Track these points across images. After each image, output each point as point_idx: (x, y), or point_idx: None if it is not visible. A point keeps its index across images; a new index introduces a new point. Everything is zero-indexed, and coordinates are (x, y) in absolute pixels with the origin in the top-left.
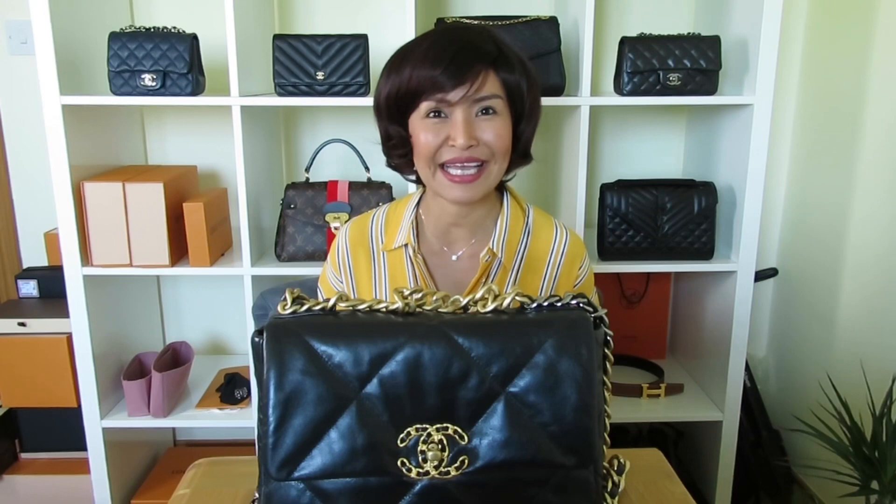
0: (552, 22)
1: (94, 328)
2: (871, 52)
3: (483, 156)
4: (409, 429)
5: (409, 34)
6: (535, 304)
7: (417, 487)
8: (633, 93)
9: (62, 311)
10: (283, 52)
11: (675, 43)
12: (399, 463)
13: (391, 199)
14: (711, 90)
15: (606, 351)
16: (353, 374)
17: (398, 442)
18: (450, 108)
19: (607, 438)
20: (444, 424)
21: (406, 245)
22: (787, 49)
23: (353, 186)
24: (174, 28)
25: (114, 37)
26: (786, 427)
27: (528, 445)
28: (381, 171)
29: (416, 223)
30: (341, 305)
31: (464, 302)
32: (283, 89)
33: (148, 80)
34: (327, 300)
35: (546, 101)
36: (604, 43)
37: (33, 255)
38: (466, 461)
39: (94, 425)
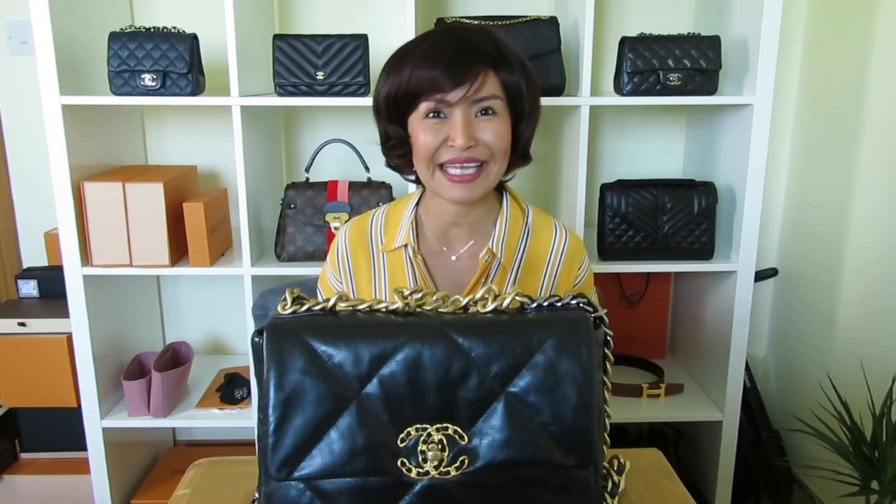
0: (552, 22)
1: (94, 328)
2: (871, 52)
3: (482, 156)
4: (409, 429)
5: (409, 34)
6: (535, 304)
7: (417, 487)
8: (633, 93)
9: (62, 311)
10: (283, 52)
11: (675, 43)
12: (399, 463)
13: (391, 199)
14: (711, 90)
15: (606, 351)
16: (353, 374)
17: (398, 442)
18: (449, 108)
19: (607, 438)
20: (444, 424)
21: (406, 245)
22: (787, 49)
23: (353, 186)
24: (174, 28)
25: (114, 37)
26: (786, 427)
27: (528, 445)
28: (381, 171)
29: (415, 223)
30: (341, 305)
31: (464, 302)
32: (283, 89)
33: (148, 80)
34: (327, 300)
35: (546, 101)
36: (604, 43)
37: (33, 255)
38: (466, 461)
39: (94, 425)
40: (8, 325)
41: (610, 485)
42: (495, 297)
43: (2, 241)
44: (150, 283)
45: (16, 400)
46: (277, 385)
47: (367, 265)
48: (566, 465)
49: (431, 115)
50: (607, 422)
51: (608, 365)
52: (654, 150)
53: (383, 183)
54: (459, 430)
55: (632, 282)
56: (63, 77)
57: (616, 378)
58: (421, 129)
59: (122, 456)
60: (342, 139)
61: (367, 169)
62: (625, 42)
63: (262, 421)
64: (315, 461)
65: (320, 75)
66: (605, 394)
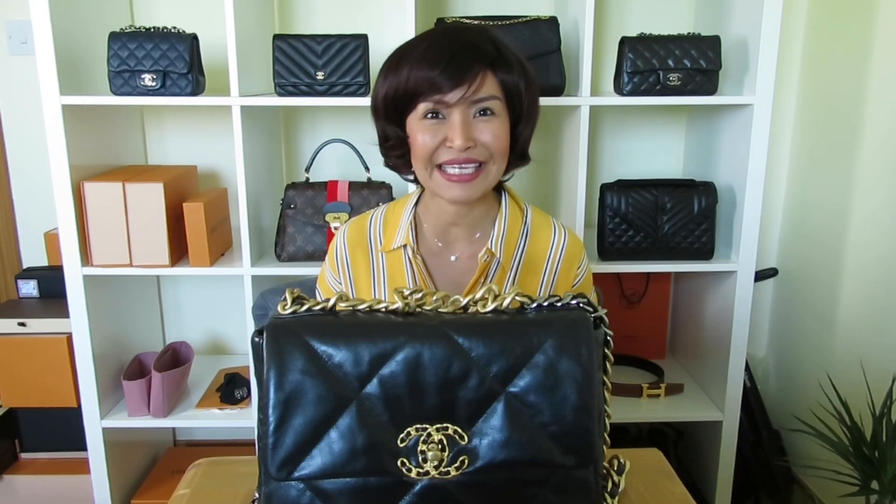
0: (552, 22)
1: (94, 328)
2: (871, 52)
3: (481, 157)
4: (409, 429)
5: (409, 34)
6: (535, 304)
7: (417, 487)
8: (633, 93)
9: (62, 311)
10: (283, 52)
11: (675, 43)
12: (399, 463)
13: (391, 199)
14: (711, 90)
15: (606, 351)
16: (353, 374)
17: (398, 442)
18: (447, 109)
19: (607, 438)
20: (444, 424)
21: (405, 246)
22: (787, 49)
23: (353, 186)
24: (174, 28)
25: (114, 37)
26: (786, 427)
27: (528, 445)
28: (381, 171)
29: (414, 223)
30: (341, 305)
31: (464, 302)
32: (283, 89)
33: (148, 80)
34: (327, 300)
35: (546, 101)
36: (604, 43)
37: (33, 255)
38: (466, 461)
39: (94, 425)
40: (8, 325)
41: (610, 485)
42: (495, 297)
43: (2, 241)
44: (150, 283)
45: (16, 400)
46: (277, 385)
47: (367, 265)
48: (566, 465)
49: (430, 115)
50: (607, 422)
51: (608, 365)
52: (654, 150)
53: (383, 183)
54: (459, 430)
55: (632, 282)
56: (63, 77)
57: (616, 378)
58: (419, 130)
59: (122, 456)
60: (342, 139)
61: (367, 169)
62: (625, 42)
63: (262, 421)
64: (315, 461)
65: (320, 75)
66: (605, 394)
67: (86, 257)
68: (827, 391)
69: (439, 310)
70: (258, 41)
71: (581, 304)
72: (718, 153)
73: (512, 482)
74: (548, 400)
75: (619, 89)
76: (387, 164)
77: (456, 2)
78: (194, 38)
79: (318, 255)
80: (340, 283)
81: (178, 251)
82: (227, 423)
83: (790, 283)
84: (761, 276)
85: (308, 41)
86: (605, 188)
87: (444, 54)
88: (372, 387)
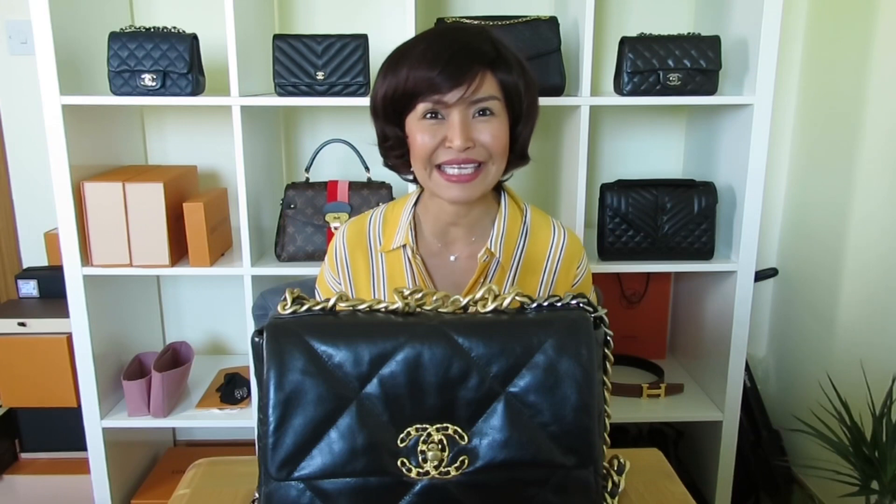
0: (552, 22)
1: (94, 328)
2: (871, 52)
3: (480, 157)
4: (409, 429)
5: (409, 34)
6: (535, 304)
7: (417, 487)
8: (633, 93)
9: (62, 311)
10: (283, 52)
11: (675, 43)
12: (399, 463)
13: (391, 198)
14: (711, 90)
15: (606, 351)
16: (353, 374)
17: (398, 442)
18: (446, 109)
19: (607, 438)
20: (444, 424)
21: (404, 246)
22: (787, 49)
23: (353, 186)
24: (174, 28)
25: (114, 37)
26: (786, 427)
27: (528, 445)
28: (381, 171)
29: (413, 224)
30: (341, 305)
31: (464, 302)
32: (283, 89)
33: (148, 80)
34: (327, 300)
35: (546, 101)
36: (604, 43)
37: (33, 255)
38: (466, 461)
39: (94, 425)
40: (8, 325)
41: (610, 485)
42: (495, 297)
43: (2, 241)
44: (150, 283)
45: (16, 400)
46: (277, 385)
47: (366, 266)
48: (566, 465)
49: (429, 115)
50: (607, 422)
51: (608, 365)
52: (654, 150)
53: (383, 183)
54: (459, 430)
55: (632, 282)
56: (63, 77)
57: (616, 378)
58: (418, 130)
59: (122, 456)
60: (342, 139)
61: (367, 169)
62: (625, 42)
63: (262, 421)
64: (315, 461)
65: (320, 75)
66: (605, 394)
67: (86, 257)
68: (827, 391)
69: (439, 310)
70: (258, 41)
71: (581, 304)
72: (718, 153)
73: (512, 482)
74: (548, 400)
75: (619, 89)
76: (386, 164)
77: (456, 2)
78: (194, 38)
79: (318, 255)
80: (340, 284)
81: (178, 251)
82: (227, 423)
83: (790, 283)
84: (761, 276)
85: (308, 41)
86: (605, 188)
87: (443, 54)
88: (372, 387)
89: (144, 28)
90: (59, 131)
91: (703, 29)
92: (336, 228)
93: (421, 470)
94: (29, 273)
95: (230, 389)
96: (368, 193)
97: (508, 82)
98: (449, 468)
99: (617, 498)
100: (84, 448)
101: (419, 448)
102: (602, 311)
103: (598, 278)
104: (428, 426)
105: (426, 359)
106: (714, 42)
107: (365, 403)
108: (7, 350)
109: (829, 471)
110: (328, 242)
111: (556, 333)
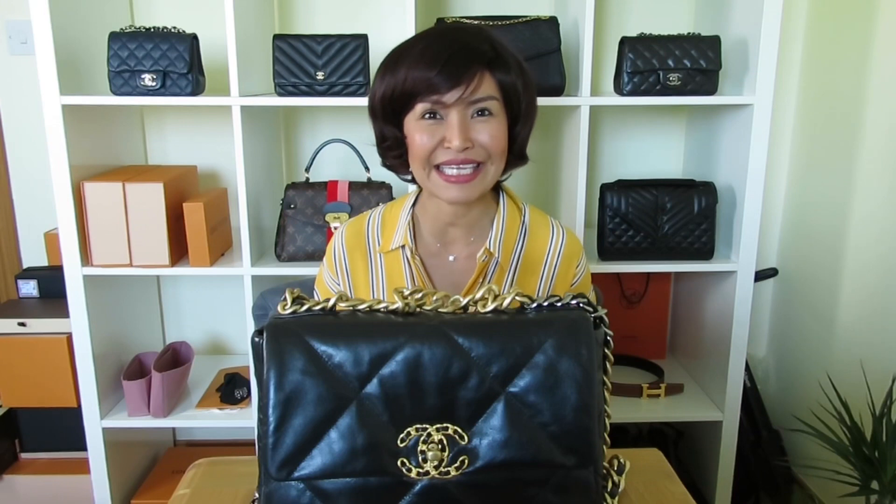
0: (552, 22)
1: (94, 328)
2: (871, 52)
3: (479, 157)
4: (409, 429)
5: (409, 34)
6: (534, 304)
7: (417, 487)
8: (633, 93)
9: (62, 311)
10: (283, 52)
11: (675, 43)
12: (399, 463)
13: (391, 198)
14: (711, 90)
15: (606, 351)
16: (353, 374)
17: (398, 442)
18: (445, 109)
19: (607, 438)
20: (444, 424)
21: (403, 246)
22: (787, 49)
23: (353, 186)
24: (174, 28)
25: (114, 37)
26: (786, 427)
27: (528, 445)
28: (380, 171)
29: (412, 224)
30: (341, 305)
31: (464, 302)
32: (283, 89)
33: (148, 80)
34: (327, 300)
35: (546, 101)
36: (604, 43)
37: (33, 255)
38: (466, 461)
39: (94, 425)
40: (8, 325)
41: (610, 485)
42: (495, 297)
43: (2, 241)
44: (150, 283)
45: (16, 400)
46: (277, 385)
47: (365, 266)
48: (566, 465)
49: (427, 116)
50: (607, 422)
51: (608, 365)
52: (654, 150)
53: (383, 183)
54: (459, 430)
55: (632, 282)
56: (63, 77)
57: (616, 378)
58: (417, 130)
59: (122, 456)
60: (342, 139)
61: (367, 169)
62: (625, 42)
63: (262, 421)
64: (315, 461)
65: (320, 75)
66: (605, 394)
67: (86, 257)
68: (827, 391)
69: (439, 310)
70: (258, 41)
71: (581, 304)
72: (718, 153)
73: (512, 482)
74: (548, 400)
75: (619, 89)
76: (384, 165)
77: (456, 2)
78: (194, 38)
79: (318, 255)
80: (338, 285)
81: (178, 251)
82: (227, 423)
83: (790, 283)
84: (761, 276)
85: (308, 41)
86: (605, 188)
87: (442, 55)
88: (372, 387)
89: (144, 28)
90: (59, 131)
91: (703, 29)
92: (336, 228)
93: (421, 470)
94: (29, 273)
95: (230, 389)
96: (368, 193)
97: (507, 82)
98: (449, 468)
99: (617, 498)
100: (84, 448)
101: (419, 448)
102: (602, 311)
103: (598, 278)
104: (428, 426)
105: (426, 359)
106: (714, 42)
107: (365, 403)
108: (7, 350)
109: (829, 471)
110: (328, 242)
111: (556, 333)
